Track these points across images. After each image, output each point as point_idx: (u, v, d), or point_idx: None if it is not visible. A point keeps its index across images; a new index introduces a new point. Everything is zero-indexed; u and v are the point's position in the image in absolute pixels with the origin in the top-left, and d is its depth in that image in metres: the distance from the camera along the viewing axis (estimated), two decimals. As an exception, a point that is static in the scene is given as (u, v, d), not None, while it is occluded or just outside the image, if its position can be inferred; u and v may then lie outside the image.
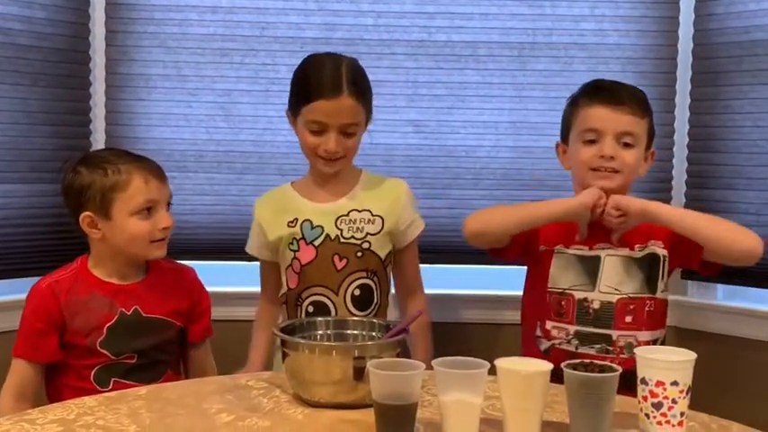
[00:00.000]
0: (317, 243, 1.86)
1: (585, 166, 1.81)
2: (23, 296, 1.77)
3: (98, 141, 2.34)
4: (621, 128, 1.79)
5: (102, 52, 2.33)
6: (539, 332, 1.83)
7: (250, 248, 1.98)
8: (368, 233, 1.87)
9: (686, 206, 2.32)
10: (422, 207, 2.15)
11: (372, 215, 1.89)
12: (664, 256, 1.81)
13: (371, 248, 1.87)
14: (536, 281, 1.86)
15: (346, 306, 1.85)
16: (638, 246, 1.81)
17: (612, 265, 1.80)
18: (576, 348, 1.77)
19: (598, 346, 1.77)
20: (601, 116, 1.80)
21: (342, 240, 1.86)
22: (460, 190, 2.36)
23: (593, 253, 1.81)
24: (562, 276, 1.82)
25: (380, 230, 1.88)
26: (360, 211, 1.89)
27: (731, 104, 2.24)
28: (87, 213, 1.72)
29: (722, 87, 2.25)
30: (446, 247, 2.32)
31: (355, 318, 1.69)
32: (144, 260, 1.78)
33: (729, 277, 2.28)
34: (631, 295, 1.79)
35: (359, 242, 1.86)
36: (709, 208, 2.28)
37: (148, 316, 1.75)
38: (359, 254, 1.86)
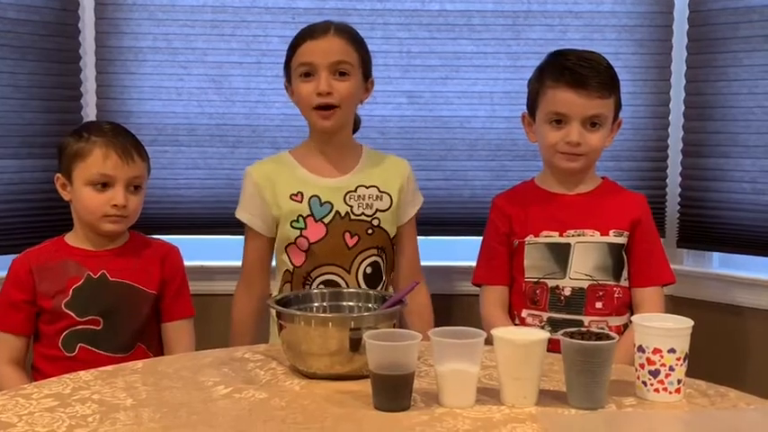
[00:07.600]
0: (326, 221, 1.83)
1: (552, 149, 1.83)
2: (13, 272, 1.80)
3: (89, 116, 2.31)
4: (588, 112, 1.79)
5: (91, 25, 2.29)
6: (517, 321, 1.87)
7: (248, 215, 1.87)
8: (378, 209, 1.86)
9: (682, 174, 2.32)
10: (417, 179, 2.13)
11: (380, 191, 1.87)
12: (623, 245, 1.84)
13: (381, 225, 1.86)
14: (515, 273, 1.89)
15: (358, 284, 1.83)
16: (612, 231, 1.83)
17: (583, 251, 1.82)
18: (550, 334, 1.78)
19: None
20: (567, 100, 1.78)
21: (352, 217, 1.84)
22: (455, 161, 2.35)
23: (563, 240, 1.84)
24: (535, 266, 1.85)
25: (389, 207, 1.87)
26: (367, 187, 1.87)
27: (727, 72, 2.22)
28: (59, 174, 1.79)
29: (718, 54, 2.23)
30: (441, 219, 2.31)
31: (351, 289, 1.68)
32: (102, 232, 1.78)
33: (725, 245, 2.28)
34: (601, 281, 1.82)
35: (369, 219, 1.85)
36: (704, 176, 2.28)
37: (115, 280, 1.77)
38: (369, 231, 1.85)
